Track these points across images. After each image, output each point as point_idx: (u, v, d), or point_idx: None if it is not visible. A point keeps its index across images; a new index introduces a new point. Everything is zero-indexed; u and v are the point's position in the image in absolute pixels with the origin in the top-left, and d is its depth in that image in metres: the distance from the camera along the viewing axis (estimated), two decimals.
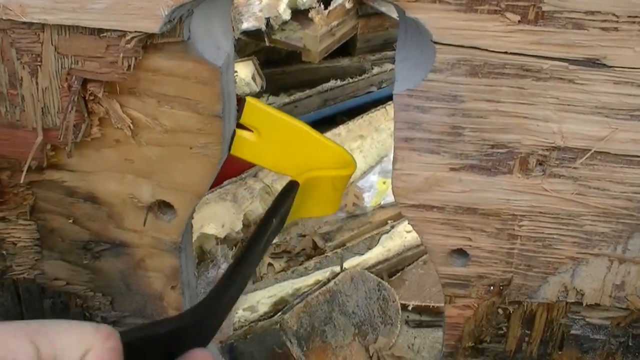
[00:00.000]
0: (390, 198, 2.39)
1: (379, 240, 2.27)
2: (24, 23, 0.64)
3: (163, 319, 0.54)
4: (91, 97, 0.67)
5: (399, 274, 2.17)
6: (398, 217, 2.33)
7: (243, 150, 0.73)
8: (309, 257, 2.24)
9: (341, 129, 2.42)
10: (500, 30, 0.57)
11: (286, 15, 2.46)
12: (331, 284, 1.95)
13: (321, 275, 2.06)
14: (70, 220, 0.76)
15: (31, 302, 0.82)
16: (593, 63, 0.58)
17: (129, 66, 0.65)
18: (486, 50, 0.58)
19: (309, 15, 2.49)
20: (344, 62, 2.72)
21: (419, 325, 2.03)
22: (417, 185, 0.65)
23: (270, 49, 2.58)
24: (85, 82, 0.66)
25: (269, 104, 2.64)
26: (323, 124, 2.56)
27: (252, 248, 0.63)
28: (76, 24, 0.63)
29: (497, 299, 0.71)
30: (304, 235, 2.31)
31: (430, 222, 0.67)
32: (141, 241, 0.76)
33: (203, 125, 0.68)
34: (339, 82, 2.63)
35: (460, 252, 0.69)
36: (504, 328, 0.73)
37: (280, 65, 2.70)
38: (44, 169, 0.73)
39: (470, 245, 0.68)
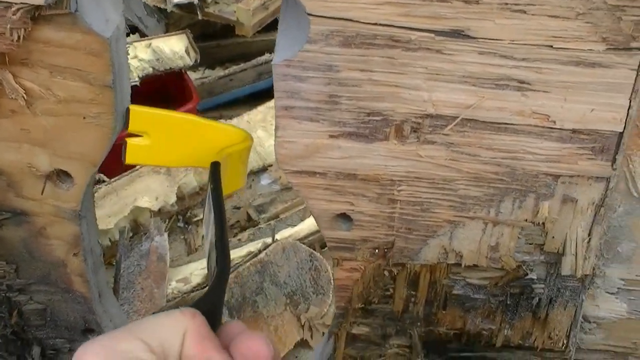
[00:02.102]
0: None
1: None
2: None
3: (202, 296, 0.57)
4: None
5: None
6: None
7: (140, 157, 0.75)
8: (243, 229, 2.27)
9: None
10: (369, 3, 0.60)
11: None
12: (262, 254, 1.98)
13: (253, 246, 2.09)
14: None
15: None
16: (458, 34, 0.61)
17: (19, 37, 0.66)
18: (357, 21, 0.61)
19: None
20: None
21: None
22: (299, 152, 0.68)
23: (206, 22, 2.59)
24: None
25: (204, 77, 2.65)
26: (259, 97, 2.58)
27: (222, 227, 0.64)
28: None
29: (382, 262, 0.74)
30: (238, 208, 2.34)
31: (313, 187, 0.70)
32: (41, 209, 0.77)
33: (94, 95, 0.69)
34: (273, 56, 2.64)
35: (344, 217, 0.72)
36: (390, 289, 0.77)
37: (215, 39, 2.70)
38: None
39: (352, 210, 0.71)
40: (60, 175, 0.76)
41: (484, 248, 0.72)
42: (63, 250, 0.80)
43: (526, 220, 0.70)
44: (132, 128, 0.72)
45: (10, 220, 0.79)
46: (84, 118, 0.71)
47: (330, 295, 2.02)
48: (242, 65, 2.61)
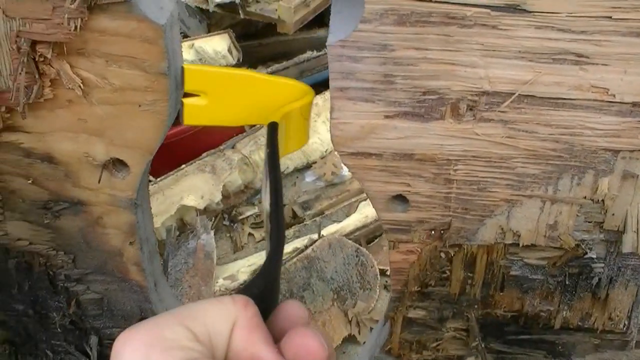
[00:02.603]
0: None
1: (357, 207, 2.30)
2: None
3: (252, 279, 0.57)
4: (41, 59, 0.70)
5: (377, 240, 2.20)
6: None
7: (198, 117, 0.74)
8: (289, 226, 2.28)
9: (318, 99, 2.44)
10: None
11: None
12: (309, 250, 1.99)
13: (300, 243, 2.10)
14: (29, 181, 0.78)
15: None
16: (514, 9, 0.61)
17: (76, 27, 0.67)
18: None
19: None
20: (320, 32, 2.74)
21: None
22: (354, 134, 0.68)
23: (247, 21, 2.60)
24: (34, 43, 0.69)
25: None
26: None
27: (277, 196, 0.62)
28: None
29: (438, 243, 0.74)
30: (284, 205, 2.35)
31: (369, 169, 0.70)
32: (98, 199, 0.78)
33: (150, 82, 0.70)
34: (315, 53, 2.65)
35: (401, 198, 0.72)
36: (447, 272, 0.76)
37: (257, 38, 2.72)
38: (1, 132, 0.75)
39: (409, 191, 0.71)
40: (116, 164, 0.77)
41: (542, 227, 0.72)
42: (119, 239, 0.81)
43: (585, 197, 0.70)
44: (188, 88, 0.72)
45: (68, 210, 0.80)
46: (140, 106, 0.72)
47: (377, 290, 2.02)
48: (285, 64, 2.62)
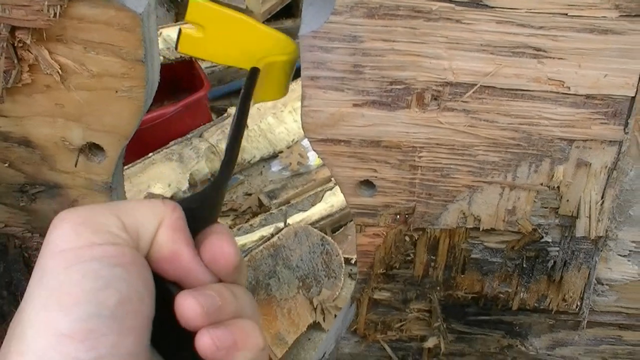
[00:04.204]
0: None
1: (322, 197, 2.33)
2: None
3: (189, 196, 0.60)
4: (20, 44, 0.71)
5: (342, 229, 2.23)
6: None
7: (191, 47, 0.75)
8: (255, 215, 2.30)
9: None
10: None
11: None
12: (275, 238, 2.01)
13: (266, 231, 2.12)
14: (6, 164, 0.80)
15: None
16: (477, 4, 0.64)
17: (55, 14, 0.69)
18: None
19: None
20: (287, 23, 2.75)
21: None
22: (324, 121, 0.71)
23: None
24: (13, 29, 0.71)
25: (214, 66, 2.67)
26: None
27: (238, 131, 0.66)
28: None
29: (403, 227, 0.77)
30: (250, 194, 2.37)
31: (338, 155, 0.73)
32: (74, 182, 0.80)
33: (127, 69, 0.72)
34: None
35: (367, 183, 0.75)
36: (411, 255, 0.80)
37: None
38: None
39: (375, 177, 0.74)
40: (93, 149, 0.79)
41: (501, 212, 0.75)
42: None
43: (542, 184, 0.73)
44: (188, 18, 0.74)
45: (44, 193, 0.82)
46: (116, 92, 0.74)
47: (342, 278, 2.05)
48: None
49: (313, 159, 2.45)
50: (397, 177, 0.74)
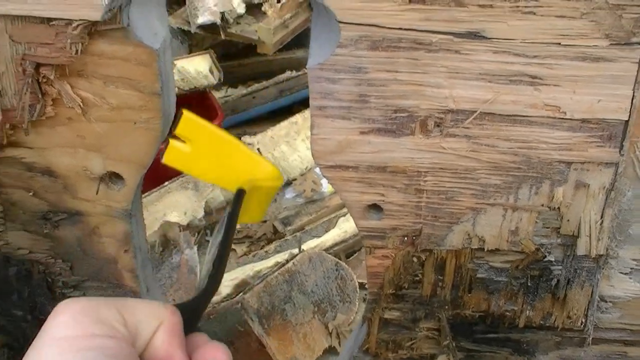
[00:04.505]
0: None
1: (336, 223, 2.36)
2: None
3: (186, 301, 0.63)
4: (44, 80, 0.75)
5: (356, 254, 2.26)
6: None
7: (177, 161, 0.76)
8: (270, 242, 2.32)
9: (298, 117, 2.50)
10: (393, 10, 0.67)
11: (240, 9, 2.53)
12: (290, 264, 2.03)
13: (281, 257, 2.15)
14: (30, 193, 0.84)
15: None
16: (474, 35, 0.68)
17: (77, 51, 0.73)
18: (383, 27, 0.68)
19: (263, 8, 2.56)
20: (299, 53, 2.79)
21: None
22: (332, 148, 0.74)
23: (227, 42, 2.65)
24: (38, 66, 0.75)
25: (228, 96, 2.72)
26: (280, 113, 2.65)
27: (224, 249, 0.67)
28: (26, 14, 0.71)
29: (411, 248, 0.81)
30: (265, 221, 2.40)
31: (346, 180, 0.76)
32: (95, 209, 0.84)
33: (144, 102, 0.76)
34: (294, 73, 2.71)
35: (375, 207, 0.78)
36: (419, 275, 0.83)
37: (237, 58, 2.77)
38: (4, 147, 0.81)
39: (383, 200, 0.77)
40: (113, 177, 0.82)
41: (504, 233, 0.78)
42: (115, 247, 0.87)
43: (543, 205, 0.76)
44: (179, 132, 0.75)
45: (66, 220, 0.85)
46: (135, 123, 0.77)
47: (357, 303, 2.07)
48: (264, 83, 2.68)
49: (326, 186, 2.48)
50: (403, 201, 0.77)
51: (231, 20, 2.53)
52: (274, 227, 2.37)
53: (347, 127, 0.73)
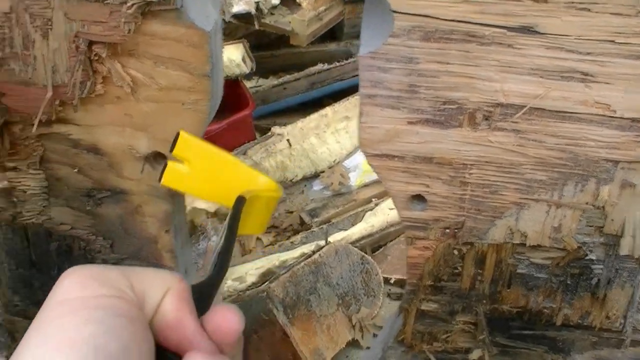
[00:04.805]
0: (374, 177, 2.48)
1: (363, 216, 2.36)
2: None
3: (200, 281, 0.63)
4: (95, 58, 0.76)
5: (382, 249, 2.26)
6: (382, 195, 2.42)
7: (176, 182, 0.75)
8: (296, 232, 2.33)
9: (328, 111, 2.50)
10: (448, 1, 0.67)
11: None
12: (316, 255, 2.04)
13: (307, 248, 2.15)
14: (75, 170, 0.85)
15: (39, 244, 0.91)
16: (528, 30, 0.68)
17: (129, 30, 0.74)
18: (437, 18, 0.68)
19: (297, 0, 2.57)
20: (331, 46, 2.80)
21: (400, 297, 2.12)
22: (380, 137, 0.75)
23: (260, 32, 2.66)
24: (90, 43, 0.76)
25: (259, 86, 2.73)
26: (311, 105, 2.65)
27: (224, 260, 0.66)
28: None
29: (452, 241, 0.81)
30: (291, 212, 2.40)
31: (392, 170, 0.77)
32: (138, 188, 0.85)
33: (193, 83, 0.77)
34: (326, 66, 2.71)
35: (419, 198, 0.78)
36: (459, 268, 0.83)
37: (270, 49, 2.77)
38: (52, 123, 0.82)
39: (427, 191, 0.78)
40: (157, 157, 0.83)
41: (547, 229, 0.78)
42: (156, 227, 0.88)
43: (587, 203, 0.76)
44: (177, 152, 0.73)
45: (110, 198, 0.86)
46: (182, 104, 0.78)
47: (381, 297, 2.08)
48: (296, 75, 2.68)
49: (354, 179, 2.48)
50: (447, 193, 0.77)
51: (265, 11, 2.54)
52: (300, 218, 2.38)
53: (395, 117, 0.74)
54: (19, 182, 0.87)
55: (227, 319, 0.59)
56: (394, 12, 0.68)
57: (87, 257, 0.91)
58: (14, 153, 0.85)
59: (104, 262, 0.91)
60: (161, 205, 0.85)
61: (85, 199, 0.87)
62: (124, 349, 0.51)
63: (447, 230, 0.80)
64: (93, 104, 0.80)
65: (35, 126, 0.80)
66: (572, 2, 0.66)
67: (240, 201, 0.72)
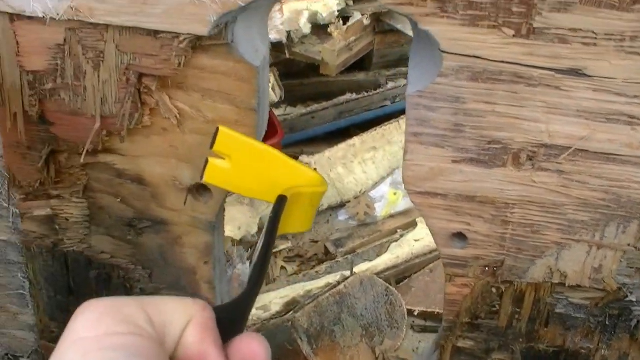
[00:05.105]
0: (400, 208, 2.49)
1: (388, 247, 2.37)
2: (91, 24, 0.75)
3: (221, 304, 0.60)
4: (145, 90, 0.78)
5: (406, 280, 2.26)
6: (407, 227, 2.43)
7: (217, 178, 0.74)
8: (321, 262, 2.34)
9: (355, 141, 2.52)
10: (497, 43, 0.68)
11: (306, 29, 2.57)
12: (341, 286, 2.04)
13: (332, 278, 2.16)
14: (118, 199, 0.86)
15: (78, 272, 0.92)
16: (576, 73, 0.68)
17: (180, 64, 0.75)
18: (486, 59, 0.69)
19: (328, 30, 2.59)
20: (360, 76, 2.82)
21: (424, 330, 2.12)
22: (424, 175, 0.75)
23: (290, 61, 2.68)
24: (140, 76, 0.77)
25: (287, 114, 2.76)
26: (338, 135, 2.67)
27: (265, 255, 0.64)
28: (136, 26, 0.74)
29: (491, 279, 0.81)
30: (316, 241, 2.41)
31: (434, 207, 0.77)
32: (180, 219, 0.86)
33: (240, 117, 0.78)
34: (354, 96, 2.74)
35: (460, 236, 0.79)
36: (497, 306, 0.83)
37: (299, 77, 2.80)
38: (98, 153, 0.83)
39: (469, 230, 0.78)
40: (200, 189, 0.84)
41: (587, 269, 0.79)
42: (195, 258, 0.88)
43: (629, 244, 0.76)
44: (217, 148, 0.72)
45: (150, 228, 0.87)
46: None
47: (404, 329, 2.07)
48: (324, 104, 2.70)
49: (379, 210, 2.49)
50: (489, 232, 0.78)
51: (296, 40, 2.57)
52: (325, 248, 2.38)
53: (440, 155, 0.74)
54: (62, 210, 0.88)
55: (253, 350, 0.56)
56: (443, 52, 0.69)
57: (126, 286, 0.92)
58: (59, 181, 0.86)
59: (142, 291, 0.92)
60: (202, 237, 0.86)
61: (127, 228, 0.88)
62: None
63: (487, 269, 0.80)
64: (139, 135, 0.81)
65: (83, 155, 0.82)
66: (622, 46, 0.67)
67: (281, 203, 0.69)
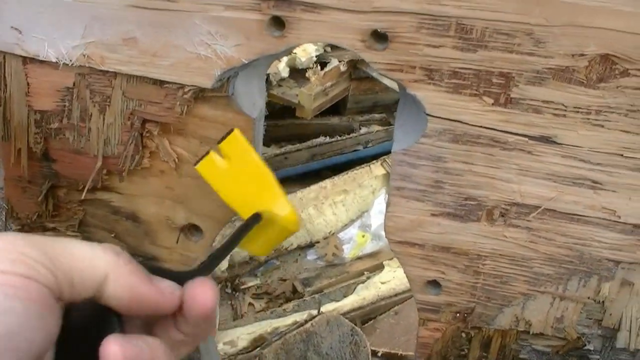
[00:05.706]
0: (368, 250, 2.55)
1: (354, 289, 2.42)
2: (101, 71, 0.80)
3: (164, 267, 0.63)
4: (147, 134, 0.83)
5: (372, 321, 2.31)
6: (374, 269, 2.48)
7: (209, 173, 0.76)
8: (288, 300, 2.38)
9: (327, 183, 2.58)
10: (478, 109, 0.74)
11: (285, 72, 2.63)
12: (308, 325, 2.09)
13: (299, 316, 2.20)
14: (112, 235, 0.91)
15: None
16: (547, 140, 0.75)
17: (182, 112, 0.81)
18: (466, 123, 0.75)
19: (306, 74, 2.66)
20: (334, 120, 2.88)
21: None
22: (404, 226, 0.81)
23: (266, 102, 2.73)
24: (144, 121, 0.83)
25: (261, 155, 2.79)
26: (310, 176, 2.72)
27: (218, 257, 0.66)
28: (144, 75, 0.80)
29: (461, 324, 0.87)
30: (285, 280, 2.46)
31: (412, 256, 0.83)
32: (170, 257, 0.91)
33: None
34: (327, 139, 2.79)
35: (435, 283, 0.85)
36: (465, 349, 0.89)
37: (274, 119, 2.85)
38: (97, 190, 0.88)
39: (443, 278, 0.84)
40: (192, 229, 0.89)
41: (550, 319, 0.85)
42: None
43: (589, 297, 0.83)
44: (223, 146, 0.75)
45: (142, 264, 0.92)
46: None
47: None
48: (298, 146, 2.76)
49: (348, 251, 2.54)
50: (461, 280, 0.84)
51: (274, 82, 2.63)
52: (293, 286, 2.43)
53: (420, 208, 0.80)
54: None
55: (204, 292, 0.57)
56: (428, 115, 0.75)
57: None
58: (56, 215, 0.91)
59: None
60: None
61: None
62: (6, 335, 0.46)
63: (458, 315, 0.86)
64: (137, 176, 0.86)
65: (85, 192, 0.87)
66: (588, 119, 0.74)
67: (256, 218, 0.73)
